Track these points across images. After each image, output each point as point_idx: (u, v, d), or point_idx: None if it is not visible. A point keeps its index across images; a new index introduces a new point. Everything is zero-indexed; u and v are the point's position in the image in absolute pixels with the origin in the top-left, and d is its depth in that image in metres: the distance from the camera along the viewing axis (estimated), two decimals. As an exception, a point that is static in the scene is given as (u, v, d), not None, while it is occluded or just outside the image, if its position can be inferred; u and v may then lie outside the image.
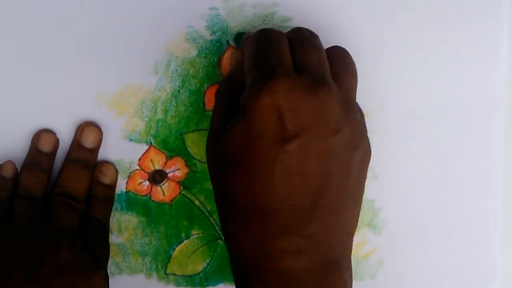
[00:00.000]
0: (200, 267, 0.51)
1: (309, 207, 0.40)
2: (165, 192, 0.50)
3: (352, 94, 0.43)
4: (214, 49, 0.49)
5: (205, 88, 0.49)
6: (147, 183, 0.50)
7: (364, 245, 0.51)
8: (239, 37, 0.48)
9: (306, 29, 0.44)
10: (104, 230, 0.49)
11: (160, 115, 0.49)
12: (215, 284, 0.51)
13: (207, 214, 0.50)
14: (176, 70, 0.49)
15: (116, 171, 0.49)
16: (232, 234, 0.42)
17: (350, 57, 0.44)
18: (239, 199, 0.41)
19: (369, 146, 0.44)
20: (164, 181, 0.50)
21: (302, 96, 0.40)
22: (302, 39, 0.43)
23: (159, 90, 0.49)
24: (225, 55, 0.49)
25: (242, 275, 0.42)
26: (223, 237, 0.50)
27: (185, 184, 0.50)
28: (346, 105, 0.41)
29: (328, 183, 0.41)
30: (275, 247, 0.40)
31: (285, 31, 0.44)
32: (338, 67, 0.43)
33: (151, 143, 0.49)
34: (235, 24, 0.49)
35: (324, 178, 0.40)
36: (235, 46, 0.49)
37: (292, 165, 0.40)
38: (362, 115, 0.43)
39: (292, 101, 0.40)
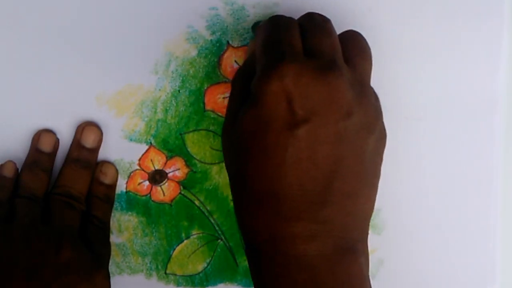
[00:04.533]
0: (200, 267, 0.51)
1: (321, 191, 0.40)
2: (165, 192, 0.50)
3: (366, 78, 0.43)
4: (214, 49, 0.49)
5: (205, 88, 0.49)
6: (147, 183, 0.50)
7: (364, 245, 0.51)
8: (256, 25, 0.48)
9: (318, 14, 0.43)
10: (104, 229, 0.49)
11: (160, 115, 0.49)
12: (215, 284, 0.51)
13: (207, 214, 0.50)
14: (176, 70, 0.49)
15: (117, 171, 0.49)
16: (245, 219, 0.42)
17: (365, 40, 0.44)
18: (251, 184, 0.41)
19: (384, 129, 0.43)
20: (164, 181, 0.50)
21: (311, 80, 0.39)
22: (313, 24, 0.42)
23: (159, 90, 0.49)
24: (225, 55, 0.49)
25: (255, 260, 0.42)
26: (223, 237, 0.50)
27: (185, 184, 0.50)
28: (359, 88, 0.41)
29: (340, 167, 0.40)
30: (288, 232, 0.40)
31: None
32: (352, 51, 0.42)
33: (151, 143, 0.49)
34: (235, 24, 0.49)
35: (336, 162, 0.40)
36: (235, 46, 0.49)
37: (303, 150, 0.40)
38: (377, 99, 0.43)
39: (301, 86, 0.39)
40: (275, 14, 0.44)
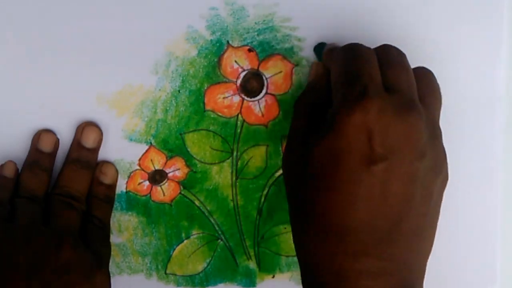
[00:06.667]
0: (200, 267, 0.51)
1: (389, 229, 0.40)
2: (165, 192, 0.50)
3: (437, 118, 0.43)
4: (214, 49, 0.49)
5: (205, 88, 0.49)
6: (147, 183, 0.50)
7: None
8: (320, 47, 0.48)
9: (395, 48, 0.43)
10: (105, 229, 0.49)
11: (160, 115, 0.49)
12: (215, 284, 0.51)
13: (207, 214, 0.50)
14: (176, 70, 0.49)
15: (117, 171, 0.49)
16: (308, 251, 0.42)
17: (436, 79, 0.44)
18: (318, 215, 0.41)
19: (447, 171, 0.43)
20: (164, 181, 0.50)
21: (392, 118, 0.39)
22: (391, 58, 0.42)
23: (159, 90, 0.49)
24: (225, 55, 0.49)
25: None
26: (223, 237, 0.50)
27: (185, 184, 0.50)
28: (431, 129, 0.41)
29: (409, 206, 0.40)
30: (353, 268, 0.40)
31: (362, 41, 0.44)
32: (424, 90, 0.42)
33: (151, 143, 0.49)
34: (235, 24, 0.49)
35: (406, 201, 0.40)
36: (235, 46, 0.49)
37: (376, 186, 0.40)
38: (442, 138, 0.43)
39: (383, 122, 0.39)
40: (354, 43, 0.44)
